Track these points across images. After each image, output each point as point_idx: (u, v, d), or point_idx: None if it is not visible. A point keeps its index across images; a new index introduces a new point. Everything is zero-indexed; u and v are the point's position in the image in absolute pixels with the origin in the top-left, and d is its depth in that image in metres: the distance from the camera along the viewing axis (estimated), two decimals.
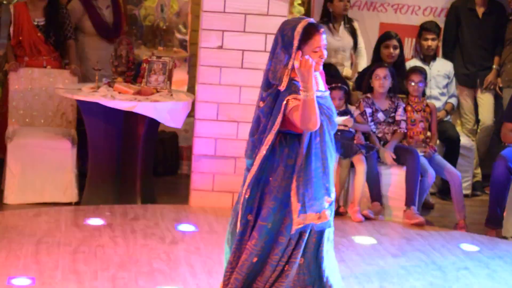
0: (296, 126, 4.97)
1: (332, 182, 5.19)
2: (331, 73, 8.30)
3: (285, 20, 5.12)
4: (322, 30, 5.04)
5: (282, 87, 5.00)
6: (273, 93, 5.06)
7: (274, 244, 5.11)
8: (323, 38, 5.01)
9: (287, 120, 5.00)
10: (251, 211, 5.19)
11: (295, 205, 5.07)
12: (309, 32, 4.98)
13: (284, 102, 4.95)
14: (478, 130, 9.62)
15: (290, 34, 4.98)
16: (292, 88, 4.95)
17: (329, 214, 5.13)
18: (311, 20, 5.06)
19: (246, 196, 5.16)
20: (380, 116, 8.25)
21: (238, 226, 5.23)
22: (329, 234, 5.17)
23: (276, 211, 5.11)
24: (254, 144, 5.16)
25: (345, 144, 7.87)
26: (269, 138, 5.05)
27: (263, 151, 5.09)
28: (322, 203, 5.12)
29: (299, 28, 4.96)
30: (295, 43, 4.96)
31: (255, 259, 5.15)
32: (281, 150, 5.11)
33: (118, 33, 8.92)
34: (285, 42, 5.01)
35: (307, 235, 5.09)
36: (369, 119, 8.23)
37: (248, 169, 5.21)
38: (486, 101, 9.59)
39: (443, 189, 8.79)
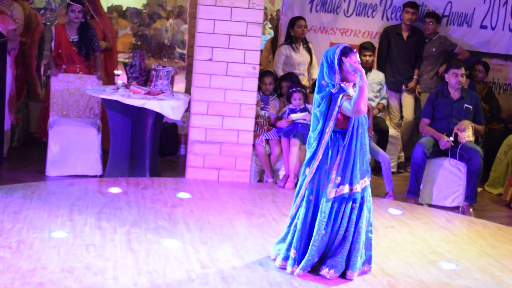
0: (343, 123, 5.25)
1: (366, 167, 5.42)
2: (293, 80, 8.29)
3: (326, 49, 5.43)
4: (354, 50, 5.30)
5: (334, 90, 5.23)
6: (326, 97, 5.26)
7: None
8: (356, 56, 5.27)
9: (338, 119, 5.23)
10: (311, 192, 5.32)
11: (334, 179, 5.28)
12: (346, 52, 5.27)
13: (340, 97, 5.19)
14: (402, 124, 9.65)
15: (332, 55, 5.28)
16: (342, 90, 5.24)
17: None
18: (345, 45, 5.34)
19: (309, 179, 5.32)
20: None
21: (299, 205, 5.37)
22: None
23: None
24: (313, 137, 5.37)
25: (306, 134, 7.84)
26: (327, 133, 5.27)
27: (323, 143, 5.29)
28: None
29: (337, 51, 5.26)
30: (336, 59, 5.24)
31: (324, 232, 5.25)
32: (332, 144, 5.28)
33: None
34: (329, 62, 5.29)
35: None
36: None
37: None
38: (408, 102, 9.62)
39: (376, 168, 8.80)
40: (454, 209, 7.78)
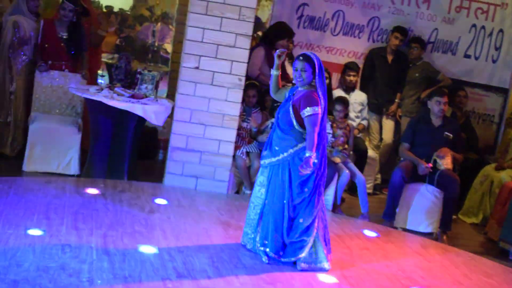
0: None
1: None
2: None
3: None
4: (298, 58, 5.80)
5: None
6: None
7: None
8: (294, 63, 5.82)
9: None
10: None
11: None
12: None
13: None
14: (381, 146, 9.70)
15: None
16: None
17: None
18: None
19: None
20: None
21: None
22: None
23: None
24: None
25: None
26: None
27: None
28: None
29: None
30: None
31: None
32: None
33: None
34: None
35: None
36: None
37: None
38: (388, 125, 9.68)
39: (352, 188, 8.82)
40: (428, 234, 7.82)
